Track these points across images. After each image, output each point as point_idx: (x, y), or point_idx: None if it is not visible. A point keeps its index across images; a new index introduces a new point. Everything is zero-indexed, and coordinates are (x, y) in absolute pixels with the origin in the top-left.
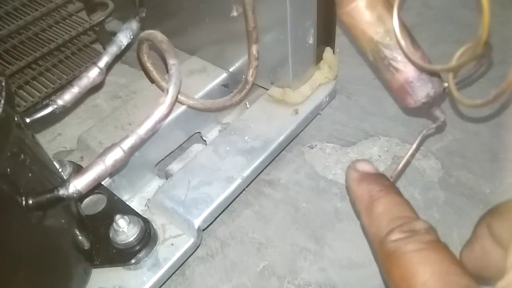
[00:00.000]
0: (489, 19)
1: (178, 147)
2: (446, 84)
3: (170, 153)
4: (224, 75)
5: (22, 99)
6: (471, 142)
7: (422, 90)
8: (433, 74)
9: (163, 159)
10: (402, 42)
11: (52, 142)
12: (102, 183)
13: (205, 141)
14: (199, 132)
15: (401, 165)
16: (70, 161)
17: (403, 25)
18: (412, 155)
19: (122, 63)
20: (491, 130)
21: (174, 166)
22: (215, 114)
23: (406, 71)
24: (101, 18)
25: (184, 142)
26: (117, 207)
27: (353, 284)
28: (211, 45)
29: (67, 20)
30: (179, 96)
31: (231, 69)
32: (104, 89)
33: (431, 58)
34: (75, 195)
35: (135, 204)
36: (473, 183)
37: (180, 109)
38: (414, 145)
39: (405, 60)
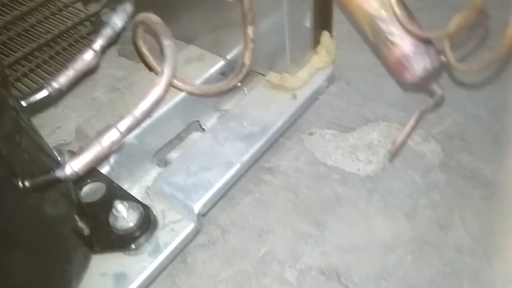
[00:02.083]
0: None
1: (177, 135)
2: (443, 58)
3: (169, 141)
4: (222, 62)
5: (20, 91)
6: (471, 125)
7: (419, 64)
8: (429, 45)
9: (162, 148)
10: (398, 11)
11: (52, 135)
12: (102, 171)
13: (203, 129)
14: (198, 121)
15: (400, 138)
16: (68, 150)
17: None
18: (411, 130)
19: (120, 56)
20: (491, 113)
21: (173, 155)
22: (214, 102)
23: (403, 45)
24: (97, 9)
25: (183, 130)
26: (116, 194)
27: (354, 267)
28: (208, 33)
29: (63, 11)
30: (176, 81)
31: (228, 57)
32: (103, 82)
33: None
34: (72, 176)
35: (135, 192)
36: (474, 165)
37: (178, 97)
38: (412, 120)
39: (401, 33)
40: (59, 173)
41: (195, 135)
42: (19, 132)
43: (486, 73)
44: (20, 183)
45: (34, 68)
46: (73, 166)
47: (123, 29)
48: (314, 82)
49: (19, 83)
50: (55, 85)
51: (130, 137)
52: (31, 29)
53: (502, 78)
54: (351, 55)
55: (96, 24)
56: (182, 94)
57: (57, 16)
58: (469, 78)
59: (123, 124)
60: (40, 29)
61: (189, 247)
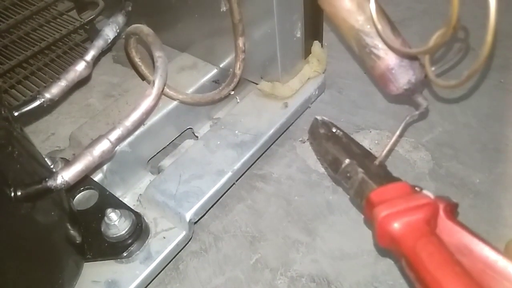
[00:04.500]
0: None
1: (170, 143)
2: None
3: (162, 149)
4: (215, 71)
5: (14, 98)
6: (461, 133)
7: (404, 77)
8: (413, 59)
9: (155, 155)
10: (379, 26)
11: (46, 141)
12: (95, 179)
13: (197, 137)
14: (191, 128)
15: (385, 151)
16: (61, 158)
17: (381, 11)
18: (396, 142)
19: (114, 62)
20: (480, 122)
21: (166, 162)
22: (207, 110)
23: (387, 58)
24: (92, 17)
25: (176, 138)
26: (108, 201)
27: (345, 275)
28: (201, 41)
29: (57, 19)
30: (168, 90)
31: (221, 65)
32: (97, 88)
33: None
34: (63, 186)
35: (128, 200)
36: (463, 173)
37: (171, 105)
38: (398, 132)
39: (386, 47)
40: (50, 183)
41: (189, 143)
42: (12, 142)
43: (464, 87)
44: (11, 193)
45: (29, 75)
46: (64, 176)
47: (117, 37)
48: (305, 91)
49: (13, 90)
50: (47, 95)
51: (123, 144)
52: (26, 37)
53: (491, 87)
54: (343, 64)
55: (91, 32)
56: (175, 102)
57: (51, 24)
58: (458, 88)
59: (114, 135)
60: (34, 37)
61: (181, 254)
